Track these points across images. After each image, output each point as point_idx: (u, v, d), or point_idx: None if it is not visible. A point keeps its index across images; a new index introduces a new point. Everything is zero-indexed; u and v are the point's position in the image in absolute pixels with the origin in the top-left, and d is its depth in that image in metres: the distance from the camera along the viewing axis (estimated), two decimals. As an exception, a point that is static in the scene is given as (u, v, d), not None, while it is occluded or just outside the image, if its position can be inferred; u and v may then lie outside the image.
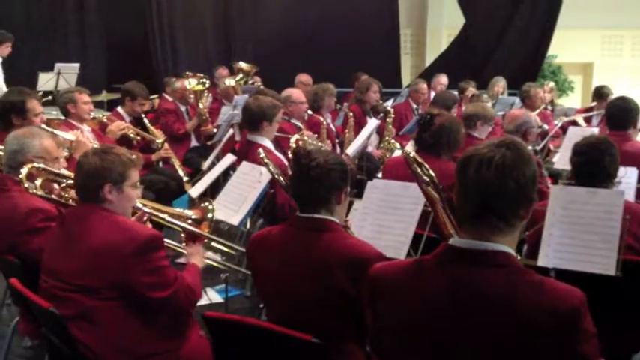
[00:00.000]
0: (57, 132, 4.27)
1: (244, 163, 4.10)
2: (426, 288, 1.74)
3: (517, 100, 7.41)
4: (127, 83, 6.19)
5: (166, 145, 5.90)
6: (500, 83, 8.39)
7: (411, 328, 1.76)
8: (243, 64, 8.26)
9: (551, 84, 8.59)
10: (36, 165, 2.98)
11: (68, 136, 4.34)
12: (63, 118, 5.11)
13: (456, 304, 1.69)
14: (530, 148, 4.55)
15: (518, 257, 1.86)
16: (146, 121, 6.06)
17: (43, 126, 4.14)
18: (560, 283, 1.70)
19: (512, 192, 1.69)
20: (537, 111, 6.62)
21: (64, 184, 3.00)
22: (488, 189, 1.69)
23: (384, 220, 3.12)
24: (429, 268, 1.77)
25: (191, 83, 6.91)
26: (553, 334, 1.61)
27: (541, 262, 2.86)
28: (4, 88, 7.73)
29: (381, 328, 1.86)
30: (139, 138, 5.61)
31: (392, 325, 1.81)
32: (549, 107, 7.62)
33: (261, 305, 3.61)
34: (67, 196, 2.97)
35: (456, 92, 7.58)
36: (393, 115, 6.71)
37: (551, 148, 6.34)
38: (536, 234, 2.99)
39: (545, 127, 5.58)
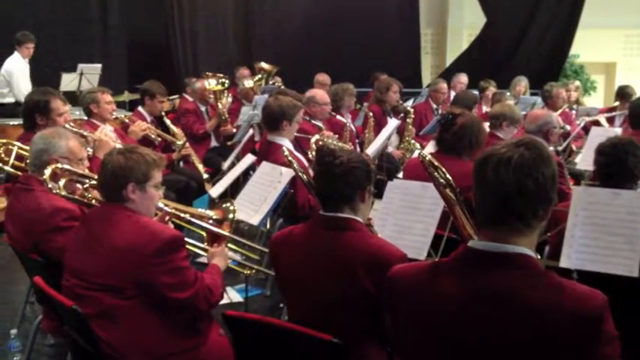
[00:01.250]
0: (82, 131, 4.32)
1: (264, 163, 4.11)
2: (445, 290, 1.73)
3: (539, 99, 7.36)
4: (144, 83, 6.25)
5: (187, 145, 5.94)
6: (522, 83, 8.33)
7: (431, 330, 1.75)
8: (264, 64, 8.30)
9: (577, 83, 8.51)
10: (59, 165, 3.02)
11: (92, 135, 4.40)
12: (85, 118, 5.16)
13: (475, 307, 1.67)
14: (552, 148, 4.53)
15: (539, 258, 1.84)
16: (167, 120, 6.11)
17: (67, 125, 4.17)
18: (581, 286, 1.68)
19: (532, 192, 1.67)
20: (559, 111, 6.57)
21: (86, 185, 3.02)
22: (506, 189, 1.67)
23: (404, 220, 3.11)
24: (448, 270, 1.76)
25: (210, 84, 6.96)
26: (574, 336, 1.59)
27: (563, 263, 2.84)
28: (29, 89, 7.84)
29: (401, 330, 1.85)
30: (159, 139, 5.65)
31: (411, 327, 1.80)
32: (574, 107, 7.56)
33: (282, 305, 3.62)
34: (89, 196, 3.00)
35: (476, 92, 7.55)
36: (413, 116, 6.69)
37: (574, 148, 6.28)
38: (559, 235, 2.96)
39: (568, 127, 5.54)
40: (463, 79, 8.54)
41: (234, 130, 6.79)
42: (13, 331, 3.52)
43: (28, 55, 7.96)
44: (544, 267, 1.74)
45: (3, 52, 8.01)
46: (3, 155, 3.76)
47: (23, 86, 7.75)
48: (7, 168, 3.71)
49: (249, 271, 3.41)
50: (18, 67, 7.88)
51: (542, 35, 10.72)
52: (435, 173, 2.76)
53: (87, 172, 3.15)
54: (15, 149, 3.81)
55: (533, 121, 4.49)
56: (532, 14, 10.73)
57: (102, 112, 5.07)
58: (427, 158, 2.77)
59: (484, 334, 1.66)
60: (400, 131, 6.63)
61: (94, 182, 2.94)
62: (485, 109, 7.48)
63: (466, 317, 1.68)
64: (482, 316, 1.66)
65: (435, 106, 7.54)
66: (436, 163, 2.74)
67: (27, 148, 3.38)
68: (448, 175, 2.74)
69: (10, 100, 7.81)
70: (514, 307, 1.63)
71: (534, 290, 1.64)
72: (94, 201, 2.96)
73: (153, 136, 5.55)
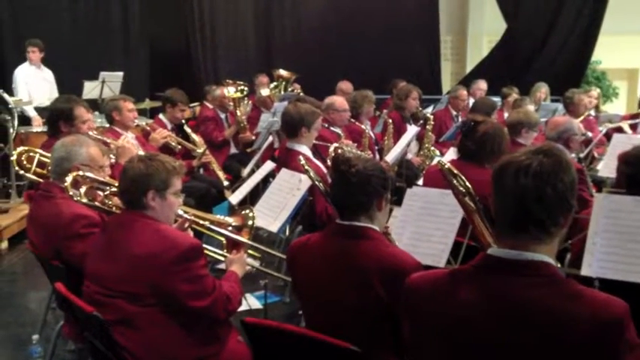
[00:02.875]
0: (105, 138, 4.37)
1: (284, 170, 4.12)
2: (463, 298, 1.72)
3: (560, 106, 7.30)
4: (166, 91, 6.29)
5: (207, 152, 5.97)
6: (542, 89, 8.27)
7: (449, 338, 1.74)
8: (282, 72, 8.33)
9: (597, 90, 8.42)
10: (80, 173, 3.05)
11: (116, 142, 4.45)
12: (107, 125, 5.22)
13: (494, 315, 1.66)
14: (573, 155, 4.48)
15: (559, 266, 1.82)
16: (187, 128, 6.15)
17: (90, 133, 4.22)
18: (602, 294, 1.66)
19: (551, 199, 1.66)
20: (581, 118, 6.51)
21: (107, 192, 3.05)
22: (526, 196, 1.66)
23: (424, 227, 3.10)
24: (466, 278, 1.75)
25: (230, 91, 7.00)
26: (595, 344, 1.57)
27: (584, 271, 2.80)
28: (45, 95, 7.93)
29: (418, 339, 1.84)
30: (180, 147, 5.69)
31: (430, 336, 1.79)
32: (593, 114, 7.48)
33: (300, 312, 3.61)
34: (110, 203, 3.02)
35: (497, 98, 7.51)
36: (432, 122, 6.67)
37: (596, 155, 6.21)
38: (581, 243, 2.93)
39: (589, 134, 5.47)
40: (482, 85, 8.50)
41: (253, 138, 6.82)
42: (35, 337, 3.57)
43: (34, 60, 8.04)
44: (565, 275, 1.72)
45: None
46: (25, 162, 3.81)
47: (22, 93, 7.84)
48: (29, 175, 3.76)
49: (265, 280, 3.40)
50: (22, 73, 7.99)
51: (564, 41, 10.65)
52: (454, 181, 2.75)
53: (108, 179, 3.18)
54: (37, 156, 3.86)
55: (553, 128, 4.46)
56: (553, 20, 10.66)
57: (124, 119, 5.12)
58: (446, 166, 2.75)
59: (503, 342, 1.64)
60: (420, 138, 6.62)
61: (114, 189, 2.97)
62: (507, 115, 7.43)
63: (485, 325, 1.67)
64: (502, 324, 1.65)
65: (454, 112, 7.51)
66: (455, 171, 2.73)
67: (48, 155, 3.42)
68: (467, 183, 2.72)
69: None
70: (534, 315, 1.62)
71: (554, 298, 1.62)
72: (114, 208, 2.98)
73: (173, 143, 5.59)
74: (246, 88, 7.16)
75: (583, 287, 1.67)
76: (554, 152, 1.71)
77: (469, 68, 11.50)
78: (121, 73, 8.47)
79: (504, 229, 1.73)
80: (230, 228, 3.18)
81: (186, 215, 3.01)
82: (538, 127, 4.78)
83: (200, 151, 5.86)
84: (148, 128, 5.64)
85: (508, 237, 1.72)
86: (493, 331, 1.66)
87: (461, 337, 1.71)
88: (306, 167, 3.66)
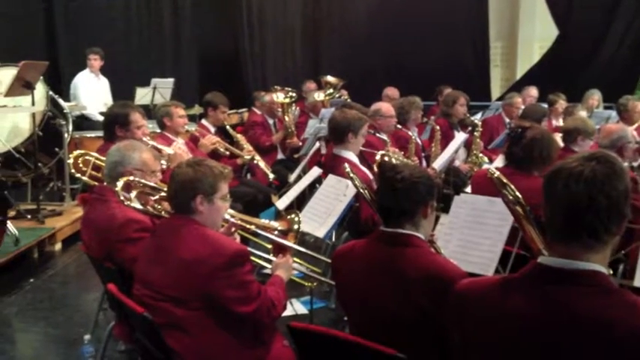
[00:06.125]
0: (158, 145, 4.46)
1: (330, 176, 4.13)
2: (514, 307, 1.70)
3: (613, 113, 7.13)
4: (207, 94, 6.38)
5: (256, 157, 6.03)
6: (595, 96, 8.09)
7: (499, 348, 1.72)
8: (330, 78, 8.36)
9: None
10: (131, 177, 3.11)
11: (167, 149, 4.54)
12: (159, 131, 5.32)
13: (546, 325, 1.64)
14: (626, 164, 4.37)
15: (611, 274, 1.78)
16: (229, 129, 6.23)
17: (145, 139, 4.31)
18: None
19: (604, 207, 1.62)
20: (635, 125, 6.34)
21: (157, 197, 3.10)
22: (577, 204, 1.63)
23: (471, 235, 3.06)
24: (517, 286, 1.73)
25: (279, 97, 7.06)
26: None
27: (638, 282, 2.74)
28: (105, 102, 8.15)
29: (468, 347, 1.82)
30: (227, 153, 5.76)
31: (479, 345, 1.77)
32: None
33: (346, 318, 3.62)
34: (160, 207, 3.07)
35: (546, 105, 7.38)
36: (481, 129, 6.59)
37: (650, 163, 6.04)
38: (635, 253, 2.86)
39: (644, 141, 5.32)
40: (533, 92, 8.36)
41: (300, 144, 6.86)
42: (87, 337, 3.65)
43: (94, 67, 8.25)
44: (618, 285, 1.68)
45: (81, 68, 8.35)
46: (81, 165, 3.90)
47: (86, 99, 8.05)
48: (84, 178, 3.85)
49: (310, 284, 3.42)
50: (83, 80, 8.20)
51: (617, 46, 10.42)
52: (504, 190, 2.71)
53: (158, 183, 3.24)
54: (92, 160, 3.95)
55: (606, 136, 4.36)
56: (606, 25, 10.43)
57: (174, 125, 5.22)
58: (495, 175, 2.71)
59: (554, 352, 1.62)
60: (468, 145, 6.54)
61: (164, 194, 3.02)
62: (554, 122, 7.30)
63: (536, 335, 1.64)
64: (552, 333, 1.62)
65: (507, 119, 7.38)
66: (504, 180, 2.69)
67: (103, 159, 3.50)
68: (517, 193, 2.67)
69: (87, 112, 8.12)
70: (586, 325, 1.59)
71: (607, 308, 1.59)
72: (164, 212, 3.03)
73: (222, 149, 5.66)
74: (294, 95, 7.21)
75: (638, 298, 1.62)
76: (608, 159, 1.67)
77: (519, 74, 11.34)
78: (171, 80, 8.63)
79: (555, 237, 1.71)
80: (276, 232, 3.20)
81: (233, 220, 3.04)
82: (594, 137, 4.68)
83: (248, 157, 5.92)
84: (197, 134, 5.73)
85: (559, 245, 1.69)
86: (545, 341, 1.63)
87: (510, 345, 1.69)
88: (351, 174, 3.67)
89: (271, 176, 6.06)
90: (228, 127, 6.29)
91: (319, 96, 7.71)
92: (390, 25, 10.86)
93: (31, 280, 5.22)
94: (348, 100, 7.81)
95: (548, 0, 10.79)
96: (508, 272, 2.91)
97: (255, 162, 6.05)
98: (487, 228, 3.03)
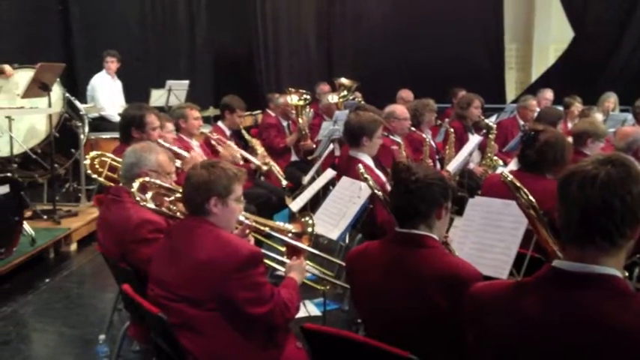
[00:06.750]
0: (174, 148, 4.49)
1: (344, 178, 4.13)
2: (528, 310, 1.69)
3: (629, 116, 7.09)
4: (224, 97, 6.40)
5: (272, 164, 6.05)
6: (610, 99, 8.04)
7: (513, 350, 1.71)
8: (344, 80, 8.36)
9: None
10: (147, 179, 3.13)
11: (184, 153, 4.57)
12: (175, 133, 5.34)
13: (560, 329, 1.63)
14: (642, 167, 4.34)
15: (627, 276, 1.77)
16: (245, 132, 6.25)
17: (160, 141, 4.34)
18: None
19: (618, 211, 1.61)
20: (651, 128, 6.29)
21: (172, 198, 3.12)
22: (592, 208, 1.62)
23: (486, 238, 3.05)
24: (531, 290, 1.72)
25: (293, 99, 7.07)
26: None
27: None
28: (120, 103, 8.20)
29: (482, 348, 1.82)
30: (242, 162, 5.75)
31: (493, 346, 1.77)
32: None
33: (359, 320, 3.62)
34: (175, 209, 3.09)
35: (562, 108, 7.34)
36: (495, 132, 6.57)
37: (667, 167, 5.98)
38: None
39: (660, 144, 5.28)
40: (548, 94, 8.32)
41: (314, 146, 6.87)
42: (102, 337, 3.68)
43: (111, 70, 8.31)
44: (634, 289, 1.67)
45: (97, 70, 8.41)
46: (97, 166, 3.93)
47: (105, 101, 8.10)
48: (100, 179, 3.88)
49: (323, 287, 3.42)
50: (101, 82, 8.25)
51: (633, 48, 10.33)
52: (518, 194, 2.69)
53: (174, 185, 3.26)
54: (108, 161, 3.98)
55: (622, 139, 4.34)
56: (622, 27, 10.35)
57: (189, 127, 5.25)
58: (509, 179, 2.70)
59: (571, 356, 1.61)
60: (482, 147, 6.52)
61: (179, 195, 3.03)
62: (570, 125, 7.26)
63: (550, 339, 1.64)
64: (568, 338, 1.62)
65: (522, 122, 7.35)
66: (518, 184, 2.68)
67: (119, 160, 3.53)
68: (531, 197, 2.66)
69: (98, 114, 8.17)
70: (601, 330, 1.58)
71: (623, 312, 1.58)
72: (178, 214, 3.04)
73: (239, 157, 5.63)
74: (308, 97, 7.22)
75: None
76: (622, 162, 1.66)
77: (534, 77, 11.28)
78: (186, 82, 8.67)
79: (570, 241, 1.70)
80: (290, 234, 3.20)
81: (247, 221, 3.05)
82: (605, 138, 4.65)
83: (265, 168, 5.93)
84: (215, 136, 5.74)
85: (574, 248, 1.68)
86: (558, 345, 1.63)
87: (525, 349, 1.69)
88: (365, 176, 3.67)
89: (284, 182, 6.07)
90: (243, 130, 6.31)
91: (333, 98, 7.72)
92: (404, 27, 10.85)
93: (47, 280, 5.27)
94: (362, 102, 7.80)
95: (564, 2, 10.73)
96: (522, 275, 2.90)
97: (269, 165, 6.07)
98: (502, 231, 3.01)
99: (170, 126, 4.91)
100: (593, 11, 10.55)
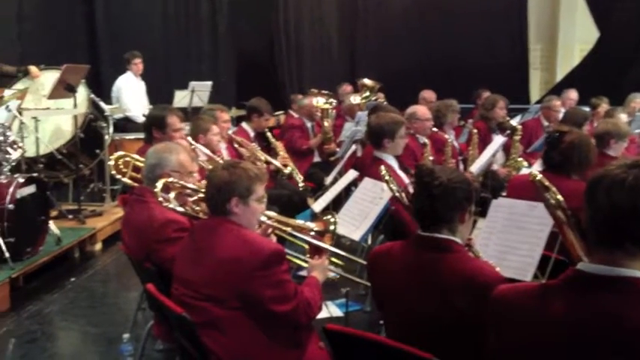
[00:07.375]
0: (197, 146, 4.52)
1: (366, 179, 4.12)
2: (553, 313, 1.68)
3: (656, 117, 6.98)
4: (251, 100, 6.42)
5: (292, 168, 6.06)
6: (637, 99, 7.92)
7: (537, 352, 1.70)
8: (366, 81, 8.35)
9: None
10: (170, 179, 3.15)
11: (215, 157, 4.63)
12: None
13: (585, 332, 1.61)
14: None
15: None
16: (269, 135, 6.26)
17: (182, 141, 4.35)
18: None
19: None
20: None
21: (195, 197, 3.14)
22: (619, 212, 1.60)
23: (509, 240, 3.02)
24: (556, 292, 1.71)
25: (319, 101, 7.07)
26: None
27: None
28: (145, 104, 8.27)
29: (504, 351, 1.81)
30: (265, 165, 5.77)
31: (516, 349, 1.76)
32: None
33: (381, 321, 3.61)
34: (197, 208, 3.10)
35: (588, 109, 7.25)
36: (520, 133, 6.51)
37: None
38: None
39: (688, 146, 5.20)
40: (573, 95, 8.22)
41: (338, 149, 6.87)
42: (126, 336, 3.70)
43: (137, 71, 8.37)
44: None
45: (121, 72, 8.50)
46: (122, 167, 3.97)
47: (131, 102, 8.17)
48: (124, 179, 3.91)
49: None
50: (127, 84, 8.32)
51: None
52: (546, 194, 2.66)
53: (196, 185, 3.27)
54: (132, 161, 4.01)
55: (649, 140, 4.26)
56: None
57: (219, 129, 5.27)
58: (538, 178, 2.67)
59: (594, 359, 1.60)
60: (506, 148, 6.47)
61: (202, 195, 3.05)
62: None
63: (576, 342, 1.62)
64: (593, 341, 1.60)
65: (546, 123, 7.28)
66: (547, 183, 2.65)
67: (143, 160, 3.55)
68: (559, 196, 2.63)
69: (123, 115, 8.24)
70: (627, 333, 1.56)
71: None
72: (201, 213, 3.06)
73: (262, 159, 5.65)
74: (334, 101, 7.22)
75: None
76: None
77: (559, 77, 11.17)
78: (209, 83, 8.71)
79: (596, 244, 1.68)
80: (312, 234, 3.20)
81: (268, 221, 3.05)
82: (628, 138, 4.58)
83: (287, 171, 5.94)
84: (239, 138, 5.77)
85: (600, 252, 1.67)
86: (584, 348, 1.61)
87: (549, 352, 1.67)
88: (387, 177, 3.65)
89: (301, 184, 6.07)
90: (267, 132, 6.32)
91: (355, 99, 7.71)
92: (427, 27, 10.82)
93: (72, 279, 5.33)
94: (385, 102, 7.78)
95: (589, 1, 10.61)
96: (547, 278, 2.87)
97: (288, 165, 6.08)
98: (526, 233, 2.99)
99: (215, 128, 4.94)
100: (618, 11, 10.42)
